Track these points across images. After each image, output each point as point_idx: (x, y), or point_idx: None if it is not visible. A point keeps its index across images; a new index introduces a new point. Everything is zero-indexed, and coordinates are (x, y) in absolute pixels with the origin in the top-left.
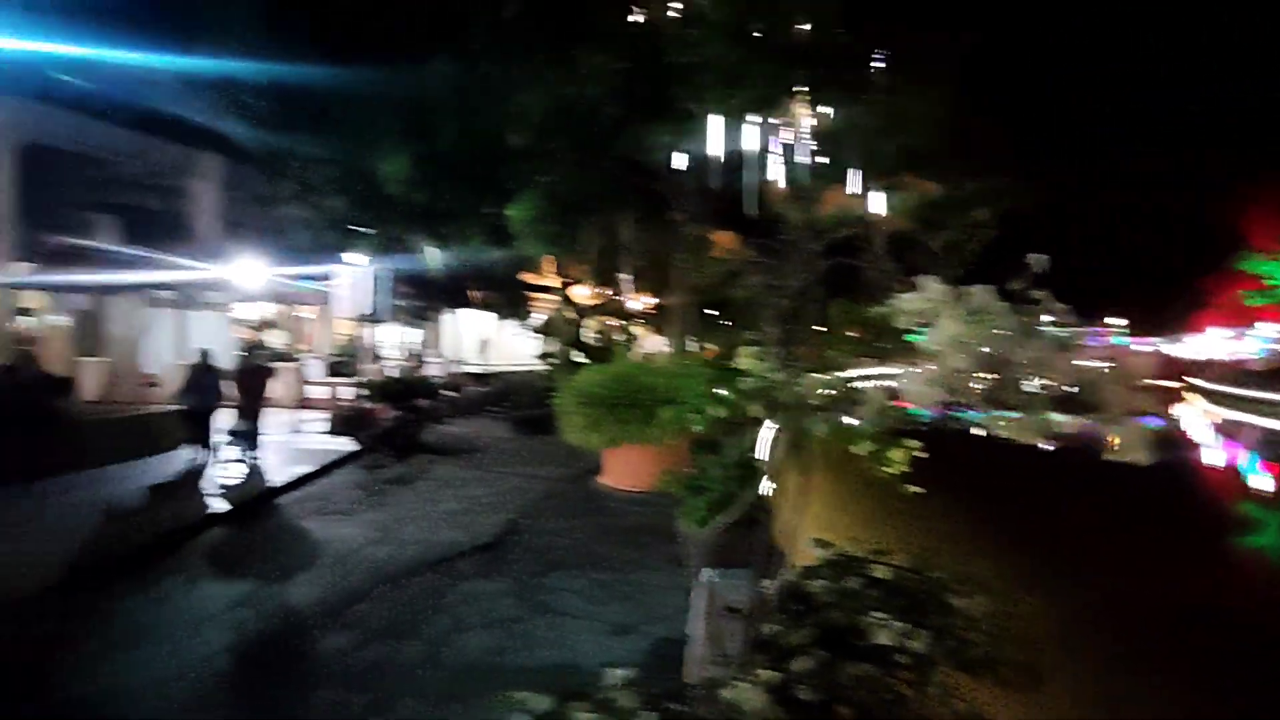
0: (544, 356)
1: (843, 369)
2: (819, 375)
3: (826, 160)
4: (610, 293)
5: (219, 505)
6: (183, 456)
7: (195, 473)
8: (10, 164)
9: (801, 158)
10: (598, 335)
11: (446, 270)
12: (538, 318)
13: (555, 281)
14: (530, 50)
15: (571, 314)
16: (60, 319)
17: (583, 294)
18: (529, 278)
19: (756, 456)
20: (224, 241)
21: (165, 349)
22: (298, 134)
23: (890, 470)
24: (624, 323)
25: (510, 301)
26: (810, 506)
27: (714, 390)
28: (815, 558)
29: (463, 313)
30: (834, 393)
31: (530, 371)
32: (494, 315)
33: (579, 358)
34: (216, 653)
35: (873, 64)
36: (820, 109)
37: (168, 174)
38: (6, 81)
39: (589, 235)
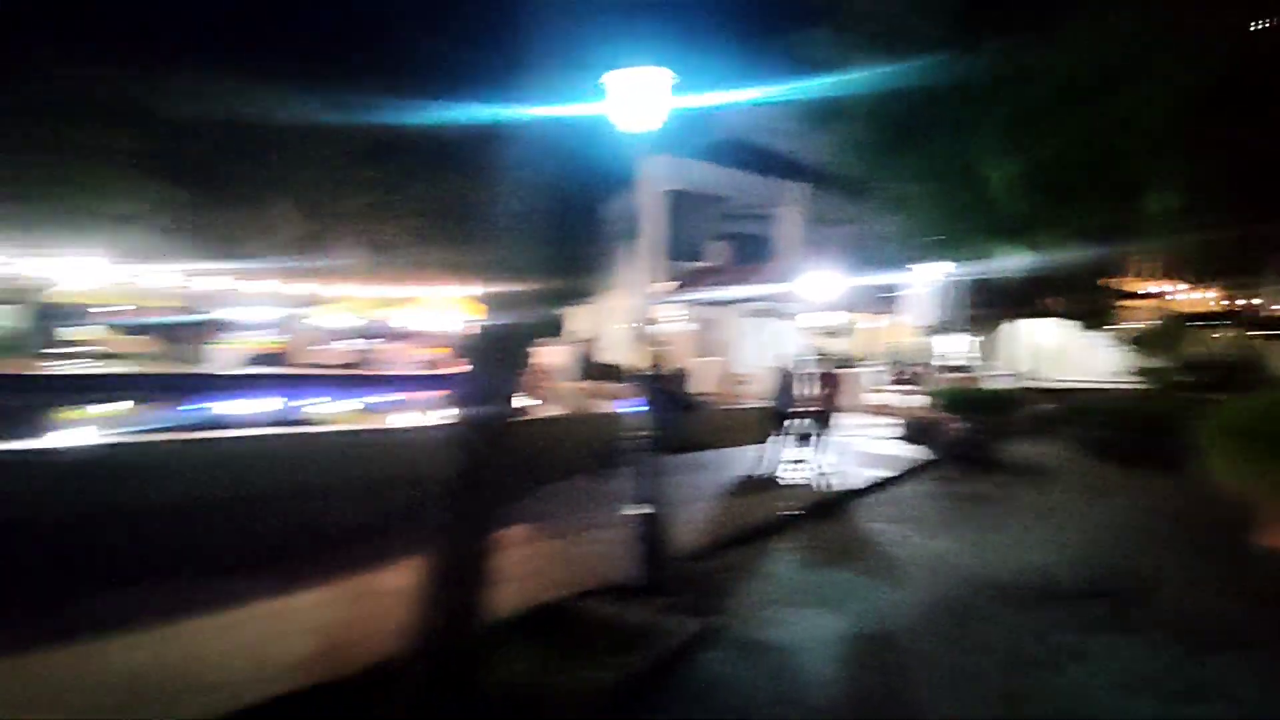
0: (1142, 373)
1: None
2: None
3: None
4: (1238, 297)
5: (806, 497)
6: (770, 448)
7: (784, 464)
8: (661, 205)
9: None
10: (1221, 349)
11: (1018, 276)
12: (1127, 327)
13: (1154, 286)
14: (1152, 34)
15: (1178, 323)
16: (685, 327)
17: (1195, 299)
18: (1116, 283)
19: None
20: (802, 257)
21: (751, 353)
22: (895, 155)
23: None
24: (1260, 333)
25: (1092, 310)
26: None
27: None
28: None
29: (1025, 321)
30: None
31: (1112, 390)
32: (1065, 324)
33: (1189, 377)
34: (854, 632)
35: None
36: None
37: (762, 203)
38: (668, 139)
39: (1226, 228)
